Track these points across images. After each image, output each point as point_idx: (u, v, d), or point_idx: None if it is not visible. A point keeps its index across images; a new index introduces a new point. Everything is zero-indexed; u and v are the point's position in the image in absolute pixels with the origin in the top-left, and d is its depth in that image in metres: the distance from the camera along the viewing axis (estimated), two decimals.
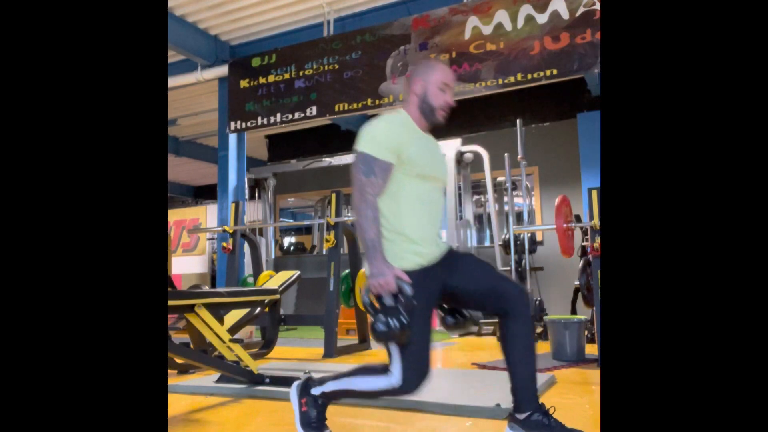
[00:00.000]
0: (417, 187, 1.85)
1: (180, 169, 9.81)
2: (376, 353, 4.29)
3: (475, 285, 1.86)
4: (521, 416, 1.82)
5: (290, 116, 5.54)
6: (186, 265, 10.46)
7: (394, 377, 1.75)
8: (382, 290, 1.70)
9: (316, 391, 1.89)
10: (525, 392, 1.83)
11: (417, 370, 1.74)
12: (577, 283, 4.82)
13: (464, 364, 3.57)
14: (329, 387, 1.87)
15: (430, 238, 1.85)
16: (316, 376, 1.97)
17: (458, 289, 1.86)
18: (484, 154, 6.10)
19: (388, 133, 1.83)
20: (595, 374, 3.10)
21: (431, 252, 1.83)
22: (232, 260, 5.11)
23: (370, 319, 1.70)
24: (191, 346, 3.32)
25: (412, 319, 1.68)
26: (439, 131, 6.95)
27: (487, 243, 7.19)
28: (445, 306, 1.93)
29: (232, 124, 5.86)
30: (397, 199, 1.82)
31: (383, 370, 1.78)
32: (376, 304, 1.72)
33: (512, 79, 4.58)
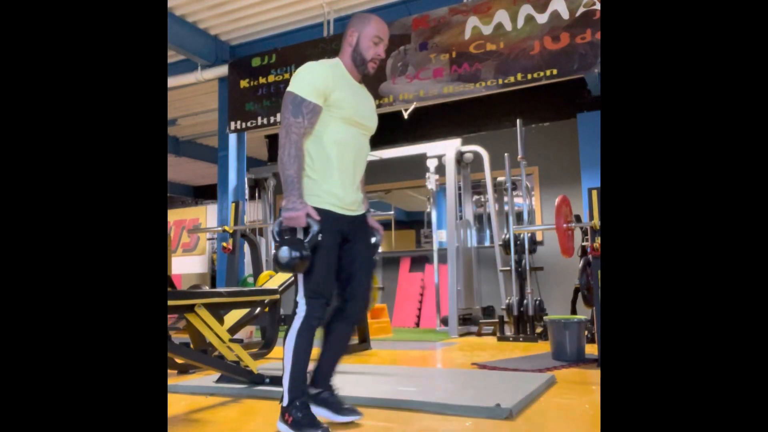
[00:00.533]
0: (342, 131, 1.96)
1: (180, 169, 9.80)
2: (377, 353, 4.30)
3: (347, 266, 2.03)
4: (313, 391, 2.04)
5: None
6: (186, 265, 10.46)
7: (300, 309, 1.92)
8: (292, 223, 1.87)
9: (284, 402, 1.93)
10: (324, 375, 2.08)
11: (319, 299, 1.92)
12: (577, 283, 4.82)
13: (464, 364, 3.57)
14: (285, 384, 1.93)
15: (348, 182, 1.99)
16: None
17: (343, 255, 2.02)
18: (484, 154, 6.10)
19: (317, 77, 1.92)
20: (595, 374, 3.10)
21: (348, 198, 1.99)
22: (232, 260, 5.11)
23: (275, 247, 1.87)
24: (191, 346, 3.32)
25: (317, 253, 1.88)
26: (439, 131, 6.92)
27: (487, 243, 7.19)
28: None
29: (232, 124, 5.86)
30: (322, 140, 1.94)
31: (293, 315, 1.94)
32: (285, 235, 1.89)
33: (512, 79, 4.58)
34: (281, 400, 1.94)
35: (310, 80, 1.91)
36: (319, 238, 1.88)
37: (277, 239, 1.90)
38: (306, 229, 1.88)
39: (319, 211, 1.91)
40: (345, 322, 2.08)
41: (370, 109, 2.10)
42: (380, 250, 8.95)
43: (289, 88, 1.92)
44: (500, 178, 6.38)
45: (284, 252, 1.83)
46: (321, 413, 2.00)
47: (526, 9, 4.56)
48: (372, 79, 5.14)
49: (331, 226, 1.93)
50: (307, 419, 1.88)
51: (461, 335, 5.46)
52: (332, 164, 1.94)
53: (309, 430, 1.85)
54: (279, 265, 1.85)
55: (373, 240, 2.15)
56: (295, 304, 1.95)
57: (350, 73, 2.04)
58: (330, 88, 1.91)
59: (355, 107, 1.98)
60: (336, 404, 2.05)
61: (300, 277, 1.92)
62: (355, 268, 2.05)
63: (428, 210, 7.17)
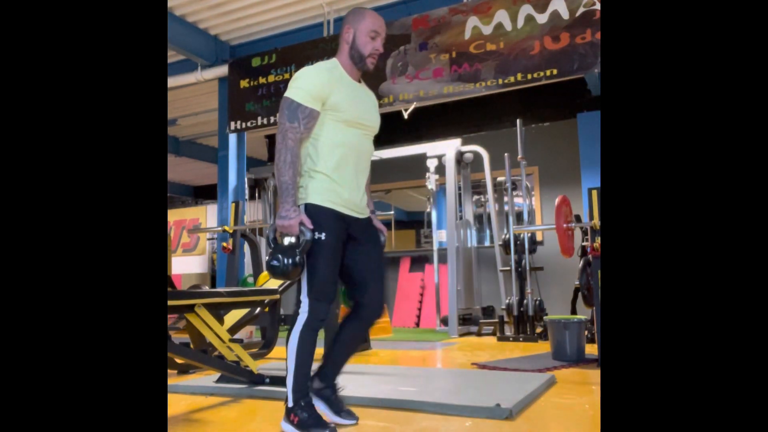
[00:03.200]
0: (342, 133, 1.95)
1: (180, 169, 9.80)
2: (377, 353, 4.30)
3: (358, 269, 2.02)
4: (318, 385, 2.04)
5: None
6: (186, 265, 10.46)
7: (303, 309, 1.90)
8: (285, 231, 1.86)
9: (289, 402, 1.92)
10: (331, 371, 2.07)
11: (323, 299, 1.90)
12: (577, 283, 4.82)
13: (464, 364, 3.57)
14: (288, 385, 1.92)
15: (351, 183, 1.97)
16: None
17: (346, 258, 2.00)
18: (484, 154, 6.10)
19: (314, 81, 1.91)
20: (595, 374, 3.10)
21: (351, 198, 1.96)
22: (232, 260, 5.11)
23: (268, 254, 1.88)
24: (191, 346, 3.32)
25: (320, 252, 1.87)
26: (439, 131, 6.91)
27: (487, 243, 7.19)
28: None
29: (232, 124, 5.86)
30: (321, 143, 1.93)
31: (295, 315, 1.92)
32: (279, 241, 1.90)
33: (512, 79, 4.58)
34: (286, 401, 1.94)
35: (306, 85, 1.90)
36: (323, 237, 1.88)
37: (271, 246, 1.91)
38: (297, 238, 1.89)
39: (321, 209, 1.90)
40: (360, 323, 2.08)
41: (371, 108, 2.07)
42: None
43: (285, 94, 1.92)
44: (500, 178, 6.38)
45: (277, 259, 1.83)
46: (320, 408, 1.99)
47: (526, 9, 4.56)
48: (372, 79, 5.14)
49: (333, 224, 1.91)
50: (313, 419, 1.87)
51: (461, 335, 5.46)
52: (335, 166, 1.93)
53: (316, 430, 1.85)
54: (272, 273, 1.86)
55: (379, 243, 2.12)
56: (298, 303, 1.94)
57: (349, 72, 2.01)
58: (327, 91, 1.90)
59: (354, 108, 1.97)
60: (337, 404, 2.05)
61: (304, 277, 1.91)
62: (368, 274, 2.03)
63: (428, 210, 7.17)
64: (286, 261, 1.83)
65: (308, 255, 1.89)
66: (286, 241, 1.90)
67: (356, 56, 2.00)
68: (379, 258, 2.08)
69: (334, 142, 1.94)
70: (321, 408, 2.00)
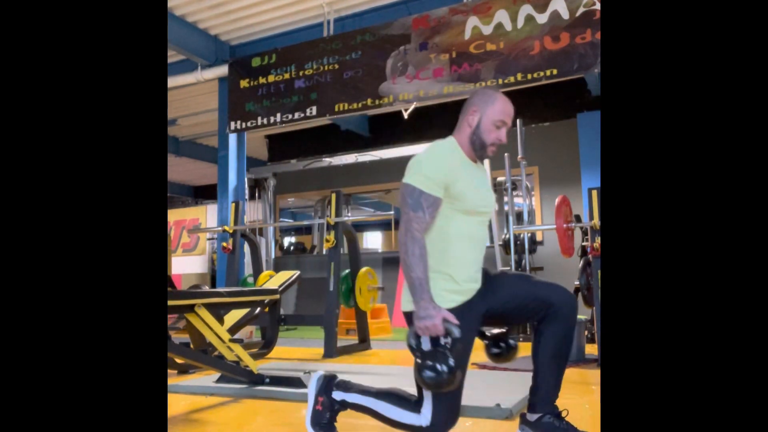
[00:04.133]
0: (464, 224, 1.76)
1: (180, 169, 9.81)
2: (377, 353, 4.30)
3: (515, 299, 1.78)
4: (533, 417, 1.78)
5: (290, 116, 5.54)
6: (186, 265, 10.46)
7: (424, 417, 1.68)
8: (429, 333, 1.62)
9: (337, 395, 1.82)
10: (545, 395, 1.79)
11: (448, 413, 1.69)
12: (577, 283, 4.82)
13: None
14: (353, 398, 1.80)
15: (472, 277, 1.76)
16: (341, 377, 1.91)
17: (500, 309, 1.78)
18: None
19: (438, 166, 1.72)
20: (595, 374, 3.10)
21: (471, 288, 1.75)
22: (232, 260, 5.11)
23: (415, 362, 1.61)
24: (191, 346, 3.32)
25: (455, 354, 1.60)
26: (439, 131, 6.95)
27: (487, 243, 7.19)
28: (489, 334, 1.87)
29: (232, 124, 5.86)
30: (444, 236, 1.73)
31: (415, 405, 1.71)
32: (421, 347, 1.65)
33: (512, 79, 4.58)
34: (342, 383, 1.86)
35: (429, 171, 1.70)
36: (458, 335, 1.61)
37: (417, 354, 1.63)
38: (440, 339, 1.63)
39: (454, 311, 1.67)
40: (557, 322, 1.76)
41: (488, 193, 1.88)
42: (380, 249, 8.90)
43: (405, 180, 1.72)
44: (500, 178, 6.38)
45: (428, 368, 1.56)
46: None
47: (526, 9, 4.56)
48: (372, 79, 5.14)
49: (462, 322, 1.65)
50: (326, 424, 1.81)
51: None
52: (456, 261, 1.73)
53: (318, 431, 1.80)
54: (427, 386, 1.59)
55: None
56: (418, 402, 1.71)
57: (468, 155, 1.82)
58: (451, 179, 1.71)
59: (476, 196, 1.78)
60: (568, 430, 1.76)
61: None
62: (516, 290, 1.80)
63: None
64: (441, 368, 1.55)
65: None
66: (429, 344, 1.65)
67: (477, 143, 1.80)
68: (516, 276, 1.91)
69: (457, 236, 1.74)
70: None
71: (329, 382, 1.86)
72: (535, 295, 1.76)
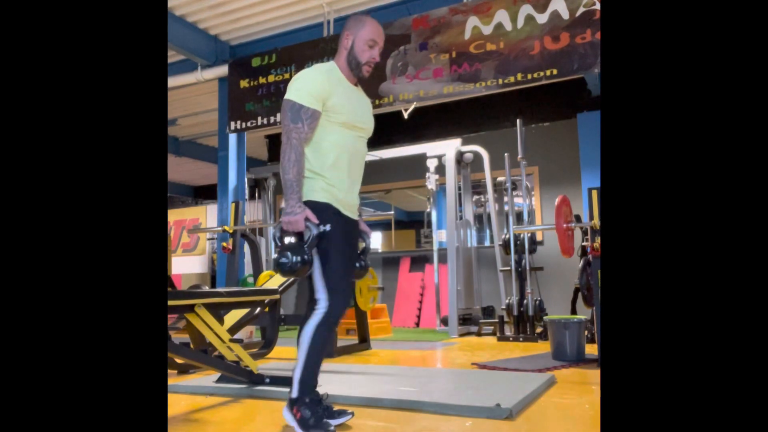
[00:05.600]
0: (339, 135, 1.99)
1: (180, 169, 9.80)
2: (377, 353, 4.29)
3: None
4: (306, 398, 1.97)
5: None
6: (186, 265, 10.46)
7: (321, 304, 1.91)
8: (291, 227, 1.89)
9: (293, 394, 1.93)
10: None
11: (340, 294, 1.92)
12: (577, 283, 4.82)
13: (464, 364, 3.57)
14: (296, 376, 1.93)
15: (345, 184, 2.00)
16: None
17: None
18: (484, 154, 6.10)
19: (315, 83, 1.94)
20: (595, 374, 3.10)
21: (345, 198, 2.00)
22: (232, 260, 5.11)
23: (276, 251, 1.90)
24: (191, 346, 3.32)
25: (330, 246, 1.90)
26: (439, 131, 6.92)
27: (487, 243, 7.19)
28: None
29: (232, 124, 5.86)
30: (320, 145, 1.97)
31: (311, 311, 1.93)
32: (284, 240, 1.93)
33: (512, 79, 4.58)
34: (290, 391, 1.94)
35: (307, 87, 1.94)
36: (328, 228, 1.91)
37: (278, 244, 1.92)
38: (301, 234, 1.90)
39: (322, 204, 1.94)
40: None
41: (366, 111, 2.12)
42: (380, 250, 8.91)
43: (286, 96, 1.95)
44: (500, 178, 6.38)
45: (285, 257, 1.85)
46: None
47: (526, 9, 4.56)
48: (372, 79, 5.14)
49: (336, 218, 1.95)
50: (315, 420, 1.88)
51: (461, 335, 5.46)
52: (330, 167, 1.97)
53: (315, 431, 1.85)
54: (281, 271, 1.86)
55: (362, 245, 2.16)
56: (313, 300, 1.94)
57: (346, 77, 2.06)
58: (327, 93, 1.94)
59: (352, 111, 2.01)
60: (325, 409, 2.00)
61: (317, 273, 1.92)
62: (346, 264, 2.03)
63: (428, 210, 7.17)
64: (294, 258, 1.84)
65: (318, 249, 1.91)
66: (293, 238, 1.91)
67: (353, 63, 2.04)
68: (354, 258, 2.10)
69: (332, 144, 1.97)
70: None
71: (290, 399, 1.96)
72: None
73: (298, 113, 1.92)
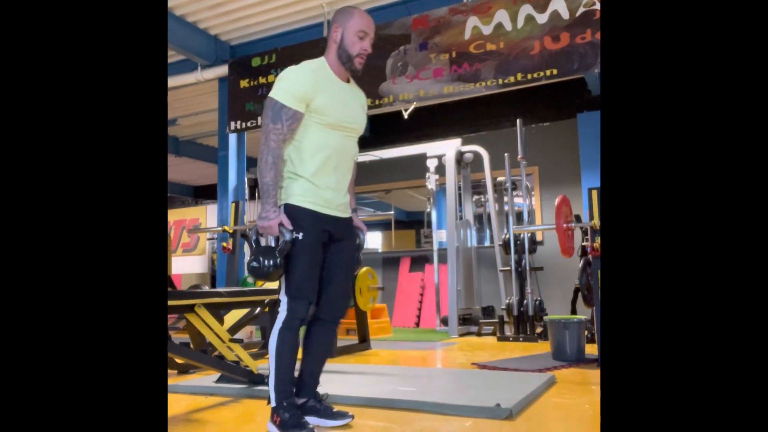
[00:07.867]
0: (324, 136, 1.93)
1: (180, 169, 9.80)
2: (377, 353, 4.30)
3: (328, 268, 1.99)
4: (299, 401, 2.01)
5: None
6: (186, 265, 10.46)
7: (282, 308, 1.92)
8: (265, 232, 1.88)
9: (272, 402, 1.93)
10: (308, 384, 2.05)
11: (300, 297, 1.91)
12: (577, 283, 4.82)
13: (464, 364, 3.57)
14: (270, 385, 1.92)
15: (332, 185, 1.96)
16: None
17: (326, 259, 1.99)
18: (484, 154, 6.10)
19: (299, 82, 1.88)
20: (595, 374, 3.10)
21: (333, 198, 1.96)
22: (232, 260, 5.11)
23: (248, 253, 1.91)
24: (191, 346, 3.32)
25: (299, 252, 1.88)
26: (439, 131, 6.92)
27: (487, 243, 7.19)
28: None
29: (232, 124, 5.86)
30: (304, 146, 1.91)
31: (274, 314, 1.95)
32: (259, 243, 1.93)
33: (512, 79, 4.58)
34: (268, 401, 1.94)
35: (290, 86, 1.87)
36: (300, 237, 1.88)
37: (252, 246, 1.93)
38: (276, 239, 1.91)
39: (300, 209, 1.90)
40: (323, 327, 2.06)
41: (357, 109, 2.05)
42: (380, 249, 8.90)
43: (270, 94, 1.89)
44: (500, 178, 6.38)
45: (257, 261, 1.85)
46: (312, 421, 1.98)
47: (526, 9, 4.56)
48: (372, 79, 5.14)
49: (312, 225, 1.91)
50: (293, 420, 1.87)
51: (461, 335, 5.46)
52: (316, 170, 1.92)
53: (294, 431, 1.85)
54: (253, 274, 1.86)
55: (357, 241, 2.13)
56: (277, 302, 1.95)
57: (337, 72, 1.99)
58: (311, 94, 1.88)
59: (339, 111, 1.95)
60: (325, 410, 2.03)
61: (282, 275, 1.92)
62: (334, 273, 2.02)
63: (428, 210, 7.17)
64: (266, 262, 1.84)
65: (287, 255, 1.89)
66: (272, 241, 1.92)
67: (344, 56, 1.97)
68: (350, 260, 2.07)
69: (316, 146, 1.92)
70: (313, 421, 1.98)
71: (271, 412, 1.96)
72: (329, 288, 2.00)
73: (279, 113, 1.86)
